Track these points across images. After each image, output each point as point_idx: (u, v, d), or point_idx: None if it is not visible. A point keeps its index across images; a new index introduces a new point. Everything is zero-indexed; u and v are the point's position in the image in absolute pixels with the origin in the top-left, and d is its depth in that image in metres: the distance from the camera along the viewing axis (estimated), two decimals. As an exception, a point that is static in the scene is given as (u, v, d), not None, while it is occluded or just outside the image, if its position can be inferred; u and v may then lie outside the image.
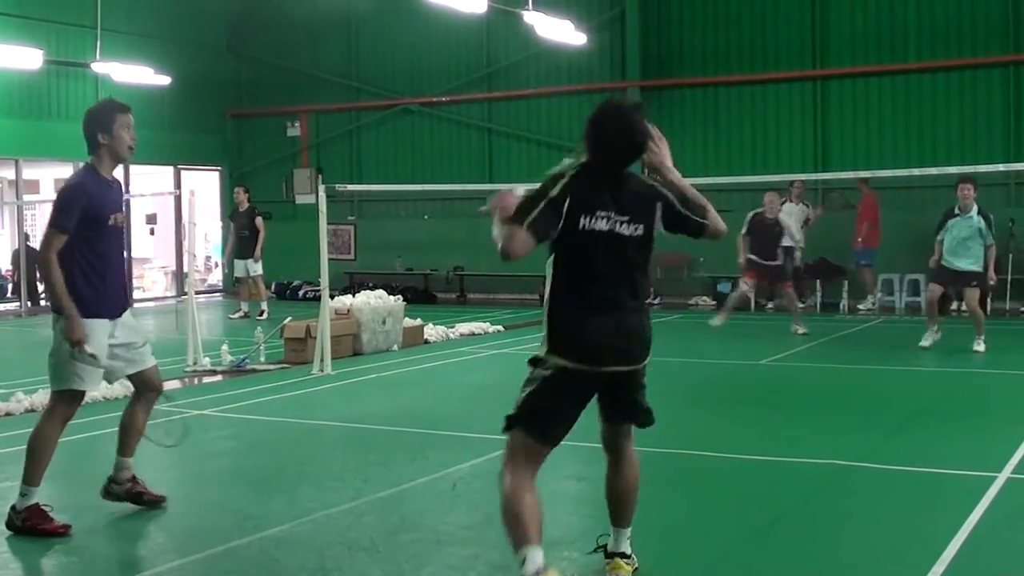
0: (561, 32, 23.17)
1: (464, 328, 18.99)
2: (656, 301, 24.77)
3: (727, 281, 24.01)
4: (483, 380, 14.13)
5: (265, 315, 21.77)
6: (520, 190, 6.17)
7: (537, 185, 5.97)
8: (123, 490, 7.79)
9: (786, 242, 22.64)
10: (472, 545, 6.83)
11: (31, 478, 7.29)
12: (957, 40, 23.14)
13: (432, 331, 18.17)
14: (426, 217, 26.79)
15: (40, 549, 6.97)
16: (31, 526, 7.19)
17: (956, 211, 16.06)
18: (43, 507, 7.24)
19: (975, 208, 15.91)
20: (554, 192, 5.86)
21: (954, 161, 21.02)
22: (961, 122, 23.21)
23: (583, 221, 5.82)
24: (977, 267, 15.95)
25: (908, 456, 9.18)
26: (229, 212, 24.00)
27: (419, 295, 25.77)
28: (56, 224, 7.26)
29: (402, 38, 28.61)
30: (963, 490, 7.98)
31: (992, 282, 16.44)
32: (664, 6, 25.88)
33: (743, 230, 18.31)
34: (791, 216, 22.69)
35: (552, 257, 6.03)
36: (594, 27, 25.78)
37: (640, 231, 5.99)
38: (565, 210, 5.79)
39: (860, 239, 22.52)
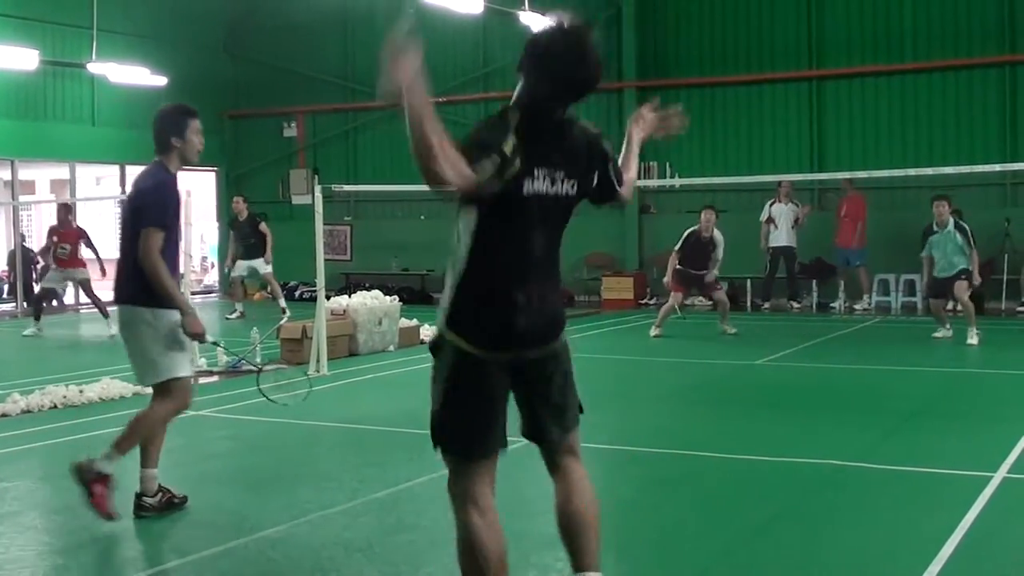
0: (557, 32, 23.14)
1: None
2: (652, 301, 24.79)
3: (724, 281, 24.02)
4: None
5: (287, 315, 21.68)
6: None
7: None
8: (156, 502, 7.61)
9: (782, 242, 22.72)
10: (468, 546, 6.83)
11: (149, 461, 7.65)
12: (953, 40, 23.17)
13: (428, 332, 18.15)
14: (422, 218, 26.77)
15: (35, 551, 6.97)
16: (166, 501, 7.59)
17: (934, 227, 16.74)
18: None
19: (951, 222, 16.54)
20: (507, 148, 4.74)
21: (950, 161, 21.05)
22: (957, 122, 23.23)
23: (527, 184, 4.83)
24: (962, 266, 16.57)
25: (904, 456, 9.19)
26: (228, 219, 23.96)
27: (415, 296, 25.78)
28: (156, 222, 7.34)
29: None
30: (959, 490, 7.98)
31: (977, 282, 16.71)
32: (660, 6, 25.91)
33: (677, 246, 18.41)
34: (781, 216, 22.75)
35: (471, 216, 4.86)
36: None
37: (575, 189, 5.01)
38: (513, 171, 4.73)
39: (855, 240, 22.56)
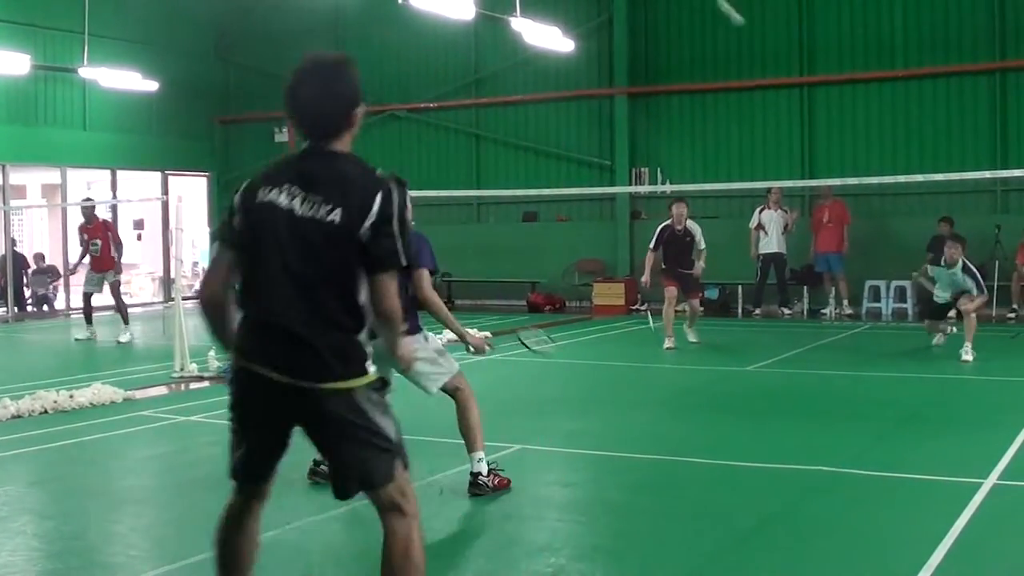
0: (549, 39, 23.18)
1: (452, 334, 18.95)
2: (643, 308, 24.79)
3: (714, 287, 24.06)
4: (471, 386, 14.09)
5: None
6: None
7: None
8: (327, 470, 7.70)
9: (772, 248, 22.73)
10: (459, 551, 6.84)
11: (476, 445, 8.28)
12: (943, 47, 23.21)
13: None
14: (412, 224, 26.78)
15: (25, 556, 6.96)
16: (498, 484, 8.18)
17: (943, 262, 16.40)
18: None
19: (960, 263, 16.16)
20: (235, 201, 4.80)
21: (940, 168, 21.08)
22: (947, 129, 23.27)
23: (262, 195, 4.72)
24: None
25: (894, 462, 9.19)
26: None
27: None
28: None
29: (390, 44, 28.61)
30: (949, 496, 8.00)
31: (981, 304, 16.42)
32: (652, 13, 25.93)
33: (651, 244, 17.91)
34: (771, 223, 22.76)
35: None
36: (582, 34, 25.81)
37: (340, 218, 4.57)
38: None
39: (838, 245, 22.60)
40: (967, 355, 15.99)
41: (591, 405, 12.64)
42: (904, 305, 22.56)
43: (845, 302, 22.68)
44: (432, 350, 8.41)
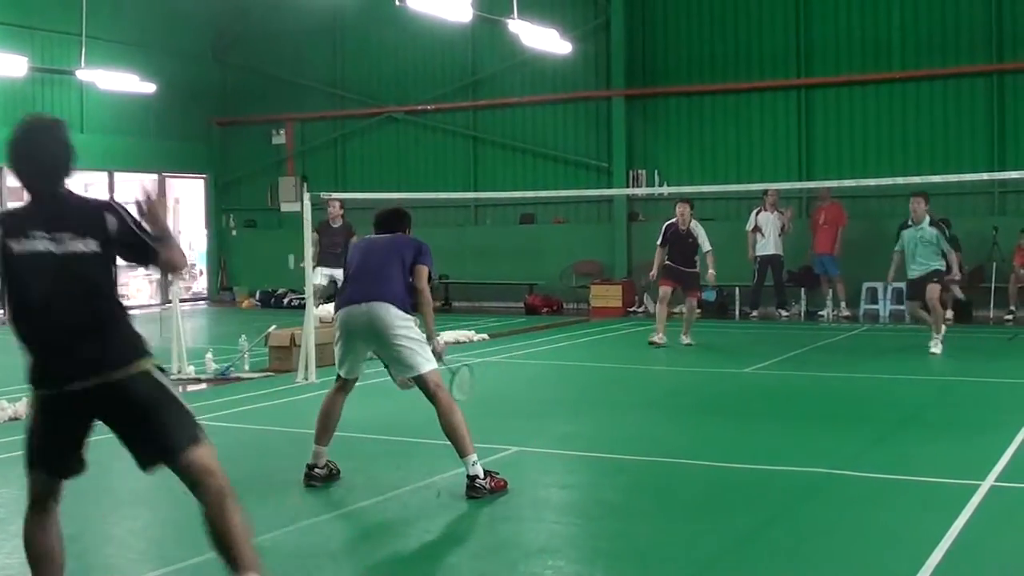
0: (546, 41, 23.17)
1: (449, 336, 18.94)
2: (641, 310, 24.80)
3: (711, 289, 24.04)
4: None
5: None
6: None
7: None
8: (324, 474, 8.76)
9: (770, 250, 22.73)
10: (456, 553, 6.84)
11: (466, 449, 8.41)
12: (941, 49, 23.21)
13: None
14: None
15: (22, 559, 6.94)
16: (495, 486, 8.27)
17: (909, 222, 16.70)
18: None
19: (927, 219, 16.43)
20: None
21: (938, 170, 21.02)
22: (945, 131, 23.27)
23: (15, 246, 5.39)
24: (935, 266, 16.39)
25: (891, 464, 9.19)
26: (315, 223, 22.29)
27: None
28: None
29: (387, 46, 28.62)
30: (947, 498, 8.00)
31: (956, 278, 16.64)
32: (649, 15, 25.93)
33: (659, 240, 18.19)
34: (768, 225, 22.76)
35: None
36: (579, 36, 25.82)
37: (89, 247, 5.34)
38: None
39: (833, 247, 22.62)
40: (935, 347, 16.28)
41: (589, 407, 12.64)
42: (901, 307, 22.55)
43: (842, 304, 22.68)
44: (419, 337, 8.79)
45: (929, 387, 14.07)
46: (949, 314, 17.26)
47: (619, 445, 10.15)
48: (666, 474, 9.06)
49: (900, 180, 17.51)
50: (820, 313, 22.80)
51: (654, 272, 18.31)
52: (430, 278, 8.95)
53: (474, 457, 8.34)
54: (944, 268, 16.51)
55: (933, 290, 16.39)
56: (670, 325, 18.21)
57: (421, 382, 8.69)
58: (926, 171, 20.85)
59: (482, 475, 8.29)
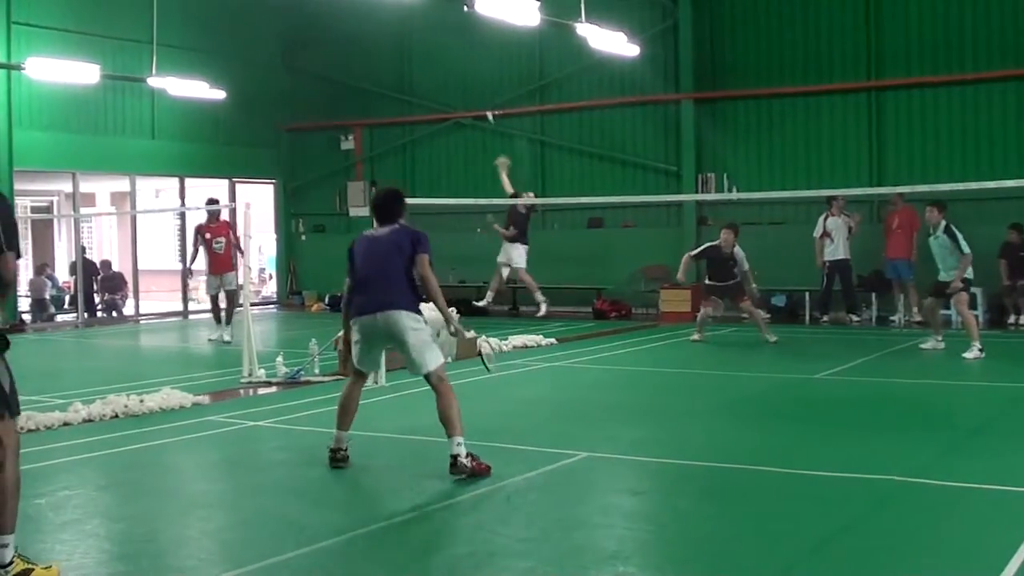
0: (614, 44, 23.12)
1: (518, 340, 18.98)
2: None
3: (781, 294, 23.92)
4: (536, 393, 14.12)
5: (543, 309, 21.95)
6: None
7: None
8: (346, 455, 9.62)
9: (839, 255, 22.55)
10: (527, 558, 6.81)
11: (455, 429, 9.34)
12: (1014, 50, 22.89)
13: (486, 344, 18.11)
14: (479, 231, 26.68)
15: (96, 559, 7.01)
16: (476, 468, 9.08)
17: (930, 229, 17.26)
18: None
19: (941, 226, 16.88)
20: None
21: (1012, 173, 20.78)
22: (1019, 133, 22.96)
23: None
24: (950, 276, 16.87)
25: (968, 472, 9.06)
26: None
27: (472, 308, 25.72)
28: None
29: (455, 52, 28.67)
30: (1023, 507, 7.90)
31: (959, 286, 16.85)
32: (717, 17, 25.82)
33: (693, 252, 19.75)
34: (837, 231, 22.58)
35: None
36: (647, 39, 25.74)
37: None
38: None
39: (908, 252, 22.39)
40: (969, 352, 16.49)
41: (658, 412, 12.59)
42: (974, 312, 22.31)
43: (914, 309, 22.42)
44: (428, 337, 9.65)
45: (1001, 394, 13.88)
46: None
47: (690, 451, 10.10)
48: (737, 481, 8.99)
49: (973, 185, 17.36)
50: (892, 318, 22.60)
51: (681, 275, 19.66)
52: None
53: (460, 439, 9.15)
54: (968, 276, 16.93)
55: (960, 300, 16.90)
56: (742, 330, 18.10)
57: (427, 377, 9.52)
58: (999, 175, 20.63)
59: (463, 455, 9.06)
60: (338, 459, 9.53)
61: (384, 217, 10.02)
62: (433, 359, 9.50)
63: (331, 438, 9.67)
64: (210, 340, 20.83)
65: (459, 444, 9.10)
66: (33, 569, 6.38)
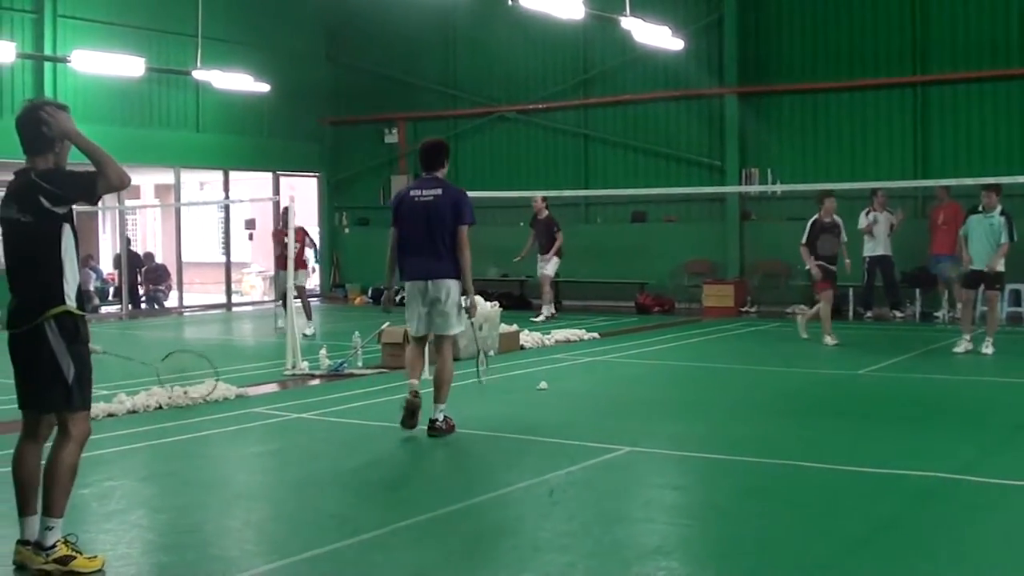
0: (658, 37, 23.09)
1: (560, 335, 18.98)
2: (753, 310, 24.63)
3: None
4: (579, 387, 14.12)
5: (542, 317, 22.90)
6: None
7: None
8: (419, 402, 10.56)
9: (880, 251, 22.42)
10: (569, 552, 6.82)
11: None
12: (1061, 45, 22.78)
13: (528, 337, 18.16)
14: (521, 224, 26.69)
15: (140, 549, 7.06)
16: (449, 426, 10.61)
17: (980, 207, 16.97)
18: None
19: (999, 208, 16.81)
20: None
21: (1058, 168, 20.65)
22: (1065, 128, 22.83)
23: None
24: (996, 266, 16.74)
25: (1011, 470, 8.99)
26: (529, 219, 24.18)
27: (515, 301, 25.75)
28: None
29: (499, 45, 28.70)
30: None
31: (1000, 268, 16.80)
32: (763, 11, 25.72)
33: (804, 238, 18.26)
34: (878, 225, 22.44)
35: None
36: (692, 32, 25.68)
37: (26, 217, 6.58)
38: None
39: (952, 248, 22.21)
40: (987, 348, 16.56)
41: (700, 407, 12.56)
42: (1019, 309, 22.17)
43: (959, 305, 22.27)
44: (461, 305, 10.80)
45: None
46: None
47: (731, 446, 10.07)
48: (779, 476, 8.96)
49: (1020, 179, 17.21)
50: (936, 315, 22.46)
51: (814, 269, 18.24)
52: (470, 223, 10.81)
53: (444, 406, 10.62)
54: (1002, 269, 16.80)
55: (993, 297, 16.92)
56: (784, 325, 18.02)
57: (442, 339, 10.83)
58: (1046, 169, 20.48)
59: (441, 419, 10.57)
60: (410, 404, 10.51)
61: (429, 164, 11.29)
62: (457, 326, 10.83)
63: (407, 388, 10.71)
64: (278, 328, 21.27)
65: (441, 410, 10.61)
66: (75, 557, 6.44)
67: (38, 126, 6.88)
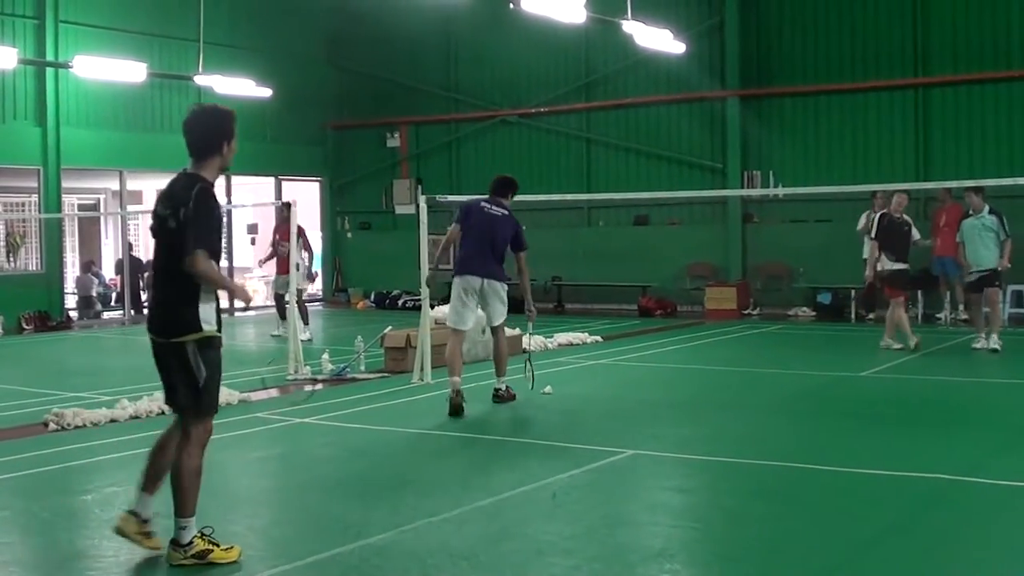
0: (660, 41, 23.08)
1: (563, 338, 18.96)
2: (755, 312, 24.62)
3: (827, 291, 23.80)
4: (582, 390, 14.10)
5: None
6: None
7: None
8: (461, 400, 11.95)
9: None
10: (573, 556, 6.80)
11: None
12: (1062, 47, 22.77)
13: (531, 341, 18.11)
14: (523, 227, 26.67)
15: (143, 553, 7.04)
16: (509, 395, 12.67)
17: (969, 211, 17.54)
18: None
19: (986, 208, 17.29)
20: None
21: (1060, 169, 20.62)
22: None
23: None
24: (993, 264, 17.13)
25: (1019, 471, 8.97)
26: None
27: (518, 305, 25.66)
28: None
29: (500, 49, 28.71)
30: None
31: (1008, 266, 17.31)
32: (764, 14, 25.72)
33: (872, 233, 17.58)
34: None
35: None
36: (693, 36, 25.68)
37: (171, 222, 6.82)
38: None
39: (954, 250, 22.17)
40: (994, 344, 16.97)
41: (705, 410, 12.54)
42: (1021, 310, 22.15)
43: (961, 307, 22.24)
44: (506, 299, 12.81)
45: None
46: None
47: (737, 449, 10.06)
48: (784, 479, 8.95)
49: (1022, 180, 17.20)
50: (938, 316, 22.43)
51: (870, 273, 17.64)
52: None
53: (505, 379, 12.70)
54: (999, 267, 17.08)
55: (994, 294, 17.12)
56: (804, 326, 17.98)
57: (496, 328, 12.82)
58: (1048, 170, 20.47)
59: (504, 389, 12.63)
60: (455, 403, 11.88)
61: (496, 192, 13.01)
62: (502, 316, 12.76)
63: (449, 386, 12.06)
64: (273, 335, 20.97)
65: (503, 382, 12.69)
66: (212, 550, 6.75)
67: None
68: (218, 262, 7.01)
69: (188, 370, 6.72)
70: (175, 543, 6.74)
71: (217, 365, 6.85)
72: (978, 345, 17.25)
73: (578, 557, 6.77)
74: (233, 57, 27.53)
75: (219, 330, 6.94)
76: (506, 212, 12.81)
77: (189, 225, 6.68)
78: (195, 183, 6.95)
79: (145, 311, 28.52)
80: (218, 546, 6.76)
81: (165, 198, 6.97)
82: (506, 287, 12.65)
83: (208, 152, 7.29)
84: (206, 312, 6.83)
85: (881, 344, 17.38)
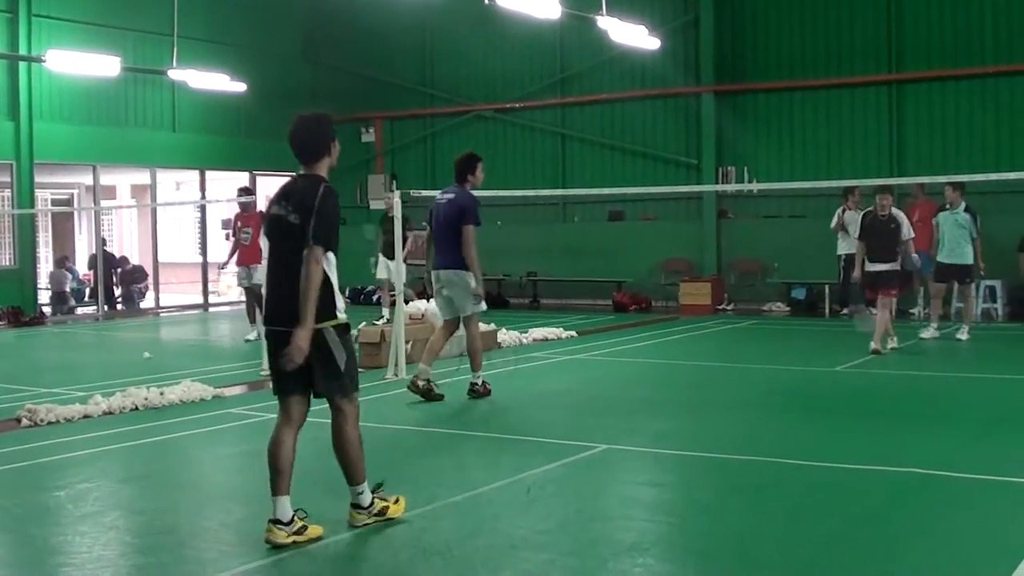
0: (635, 37, 23.12)
1: (538, 333, 18.97)
2: (730, 307, 24.68)
3: (801, 287, 23.87)
4: (556, 385, 14.10)
5: None
6: None
7: None
8: (425, 387, 12.42)
9: (853, 248, 22.39)
10: (547, 550, 6.81)
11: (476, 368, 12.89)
12: (1034, 43, 22.87)
13: (505, 336, 18.15)
14: (499, 224, 26.72)
15: (117, 551, 7.03)
16: (485, 390, 12.76)
17: (947, 205, 18.25)
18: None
19: (963, 204, 17.93)
20: None
21: (1032, 165, 20.74)
22: (1038, 125, 22.92)
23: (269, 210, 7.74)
24: (967, 260, 17.94)
25: (986, 465, 9.03)
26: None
27: (493, 300, 25.71)
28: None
29: (476, 44, 28.72)
30: (1044, 499, 7.88)
31: (982, 267, 18.22)
32: (739, 11, 25.78)
33: (856, 232, 17.20)
34: (852, 223, 22.40)
35: None
36: (668, 32, 25.73)
37: (297, 220, 7.41)
38: None
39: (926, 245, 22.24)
40: (962, 335, 17.81)
41: (679, 405, 12.57)
42: (994, 305, 22.25)
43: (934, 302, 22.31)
44: (470, 290, 12.54)
45: (1019, 387, 13.79)
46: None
47: (711, 444, 10.08)
48: (759, 473, 8.97)
49: (993, 176, 17.28)
50: (911, 311, 22.50)
51: (858, 273, 16.98)
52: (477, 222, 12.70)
53: (481, 374, 12.73)
54: (973, 262, 17.89)
55: (966, 290, 18.21)
56: (780, 321, 18.01)
57: (467, 319, 12.68)
58: (1019, 166, 20.57)
59: (479, 383, 12.67)
60: (419, 389, 12.39)
61: (456, 179, 13.17)
62: (471, 307, 12.55)
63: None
64: (247, 341, 19.45)
65: (478, 376, 12.71)
66: (388, 506, 7.45)
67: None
68: (337, 257, 7.66)
69: (329, 354, 7.11)
70: (356, 507, 7.34)
71: (352, 348, 7.33)
72: (926, 335, 18.12)
73: (552, 551, 6.78)
74: (208, 51, 27.47)
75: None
76: (452, 195, 12.88)
77: (314, 219, 7.35)
78: (320, 183, 7.65)
79: (119, 307, 28.55)
80: (389, 501, 7.47)
81: (283, 197, 7.66)
82: (463, 273, 12.51)
83: (320, 155, 8.03)
84: (339, 301, 7.39)
85: (872, 346, 16.55)
